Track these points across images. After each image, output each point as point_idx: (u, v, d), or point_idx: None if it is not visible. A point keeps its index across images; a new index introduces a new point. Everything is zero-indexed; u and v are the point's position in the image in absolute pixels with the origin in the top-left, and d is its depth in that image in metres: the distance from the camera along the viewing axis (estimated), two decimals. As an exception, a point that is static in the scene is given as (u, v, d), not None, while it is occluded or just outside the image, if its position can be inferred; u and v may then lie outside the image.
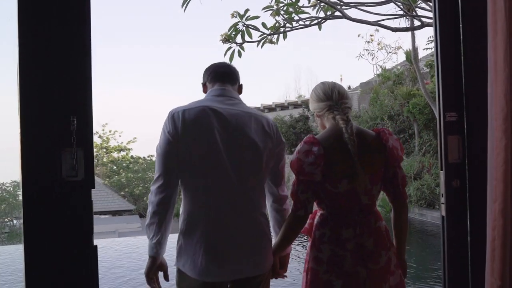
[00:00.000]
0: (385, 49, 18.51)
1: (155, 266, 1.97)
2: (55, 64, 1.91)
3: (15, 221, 15.95)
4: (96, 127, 43.74)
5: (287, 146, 20.43)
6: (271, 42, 7.74)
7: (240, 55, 7.21)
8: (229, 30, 7.11)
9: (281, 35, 7.77)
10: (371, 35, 18.52)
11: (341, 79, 27.80)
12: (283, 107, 28.20)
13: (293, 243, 2.12)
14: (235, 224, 1.95)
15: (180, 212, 2.03)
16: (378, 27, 16.26)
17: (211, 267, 1.91)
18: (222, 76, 2.13)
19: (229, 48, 7.27)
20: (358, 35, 18.57)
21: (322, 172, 1.89)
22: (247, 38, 7.26)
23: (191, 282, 1.96)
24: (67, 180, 1.91)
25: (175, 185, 1.97)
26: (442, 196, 2.39)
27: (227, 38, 7.28)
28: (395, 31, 6.65)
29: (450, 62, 2.37)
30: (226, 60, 7.30)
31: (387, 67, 16.63)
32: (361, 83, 19.67)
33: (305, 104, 20.83)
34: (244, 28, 7.31)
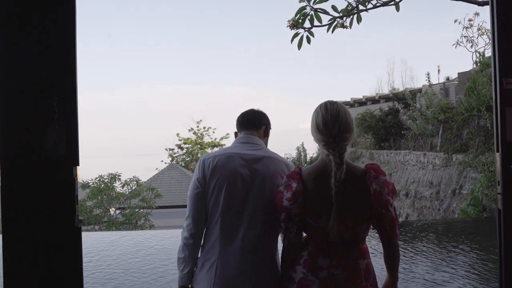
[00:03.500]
0: (486, 34, 16.87)
1: None
2: (33, 33, 1.79)
3: (111, 212, 17.00)
4: (191, 123, 45.62)
5: (376, 141, 19.54)
6: (343, 26, 7.23)
7: (309, 41, 6.81)
8: (296, 15, 6.76)
9: (355, 19, 7.23)
10: (470, 20, 16.99)
11: (438, 70, 25.93)
12: (374, 100, 27.02)
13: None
14: (244, 259, 2.11)
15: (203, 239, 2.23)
16: (477, 11, 14.82)
17: None
18: (246, 124, 2.37)
19: (296, 34, 6.88)
20: (455, 21, 17.04)
21: (300, 207, 1.92)
22: (316, 23, 6.86)
23: None
24: (47, 156, 1.78)
25: (203, 223, 2.19)
26: (499, 185, 1.90)
27: (295, 24, 6.91)
28: (482, 5, 5.80)
29: (509, 15, 1.87)
30: (294, 46, 6.92)
31: (487, 54, 15.10)
32: (458, 73, 18.12)
33: (396, 97, 19.71)
34: (312, 12, 6.88)
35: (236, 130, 2.44)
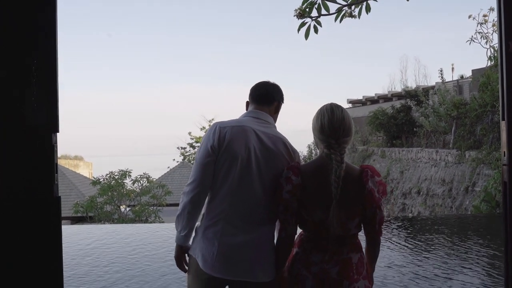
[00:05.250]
0: (501, 30, 16.49)
1: (182, 252, 2.26)
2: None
3: (122, 209, 16.98)
4: (203, 122, 45.86)
5: (388, 138, 19.28)
6: (351, 15, 7.08)
7: (316, 30, 6.67)
8: (303, 4, 6.62)
9: (364, 9, 7.07)
10: (485, 16, 16.66)
11: (452, 68, 25.54)
12: (386, 98, 26.76)
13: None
14: (248, 232, 2.12)
15: (205, 206, 2.20)
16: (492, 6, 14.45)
17: (218, 264, 2.09)
18: (258, 99, 2.35)
19: (302, 24, 6.75)
20: (469, 16, 16.71)
21: (297, 200, 2.01)
22: (324, 12, 6.71)
23: (199, 272, 2.15)
24: (25, 122, 1.70)
25: (206, 192, 2.17)
26: (505, 156, 1.78)
27: (302, 13, 6.77)
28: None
29: (515, -29, 1.75)
30: (301, 35, 6.81)
31: (502, 50, 14.78)
32: (472, 70, 17.81)
33: (408, 94, 19.46)
34: (319, 1, 6.73)
35: (248, 100, 2.42)
